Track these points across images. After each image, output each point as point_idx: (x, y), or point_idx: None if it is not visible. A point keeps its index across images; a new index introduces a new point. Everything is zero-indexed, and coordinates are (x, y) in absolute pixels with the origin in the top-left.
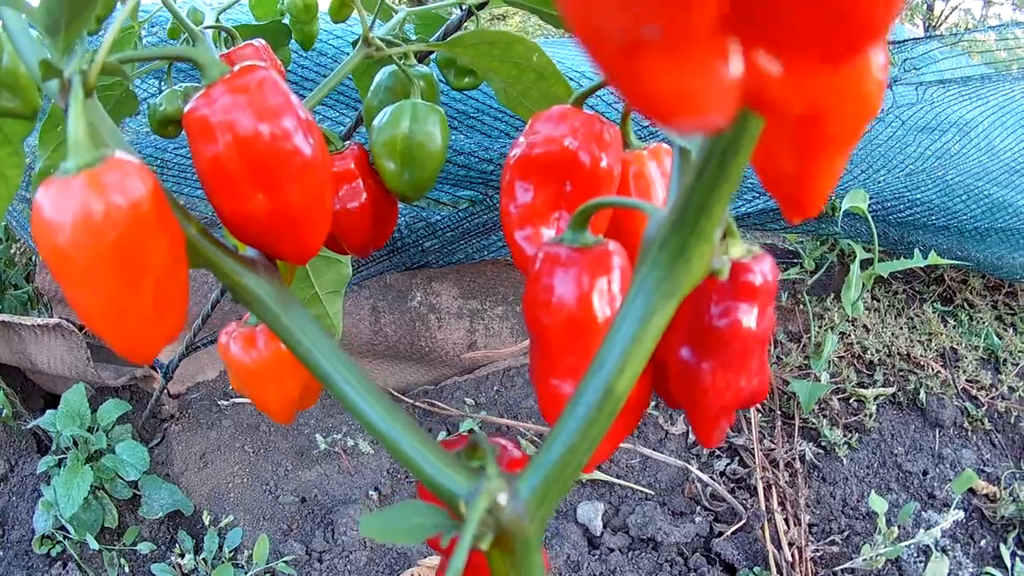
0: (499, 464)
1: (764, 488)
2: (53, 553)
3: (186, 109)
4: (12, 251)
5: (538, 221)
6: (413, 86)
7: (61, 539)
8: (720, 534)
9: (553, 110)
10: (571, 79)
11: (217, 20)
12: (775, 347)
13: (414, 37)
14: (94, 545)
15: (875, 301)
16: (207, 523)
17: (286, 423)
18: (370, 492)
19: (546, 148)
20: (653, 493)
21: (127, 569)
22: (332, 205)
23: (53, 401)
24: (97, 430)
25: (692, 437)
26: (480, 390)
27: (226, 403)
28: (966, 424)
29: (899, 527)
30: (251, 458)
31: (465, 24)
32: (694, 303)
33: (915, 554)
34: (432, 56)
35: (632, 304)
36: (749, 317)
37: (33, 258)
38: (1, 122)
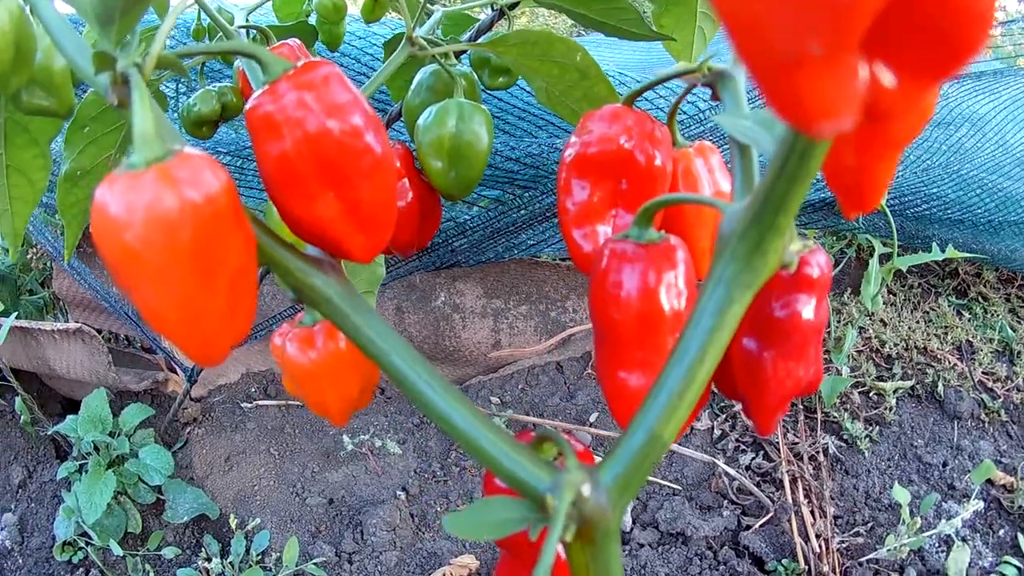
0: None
1: (790, 481)
2: (75, 560)
3: (248, 106)
4: (28, 256)
5: (595, 219)
6: (456, 85)
7: (83, 545)
8: (748, 527)
9: (605, 109)
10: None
11: (247, 21)
12: None
13: (444, 38)
14: (117, 551)
15: (891, 295)
16: (233, 526)
17: (342, 425)
18: (398, 492)
19: (601, 147)
20: (680, 488)
21: (152, 575)
22: (396, 200)
23: (71, 406)
24: (119, 435)
25: (717, 432)
26: (505, 389)
27: (249, 405)
28: (983, 416)
29: (921, 518)
30: (276, 460)
31: (496, 24)
32: (756, 295)
33: (937, 544)
34: (464, 56)
35: (712, 295)
36: (808, 308)
37: (49, 263)
38: (28, 122)
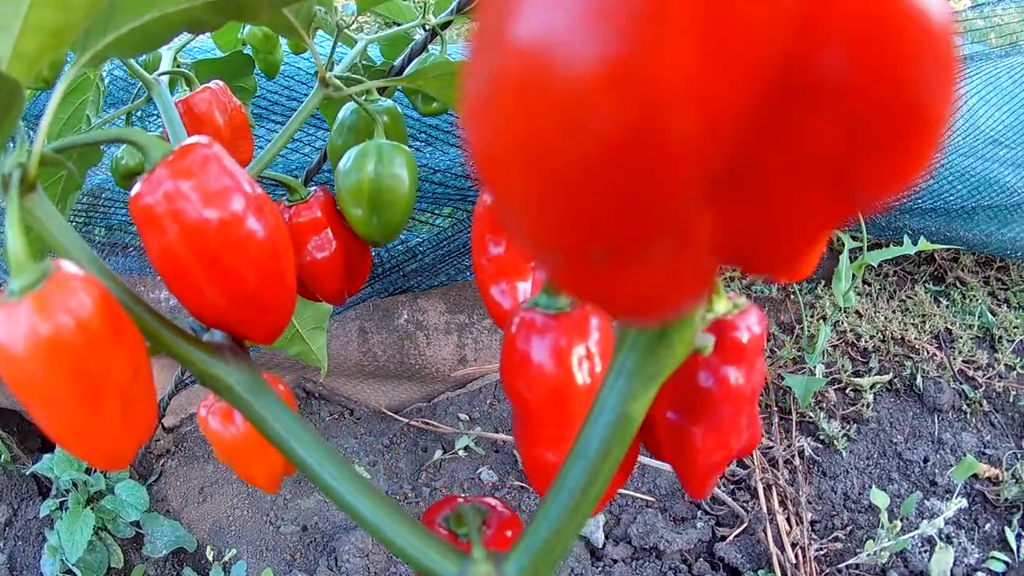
0: (488, 528)
1: (764, 489)
2: None
3: (131, 194)
4: None
5: (513, 274)
6: (377, 125)
7: None
8: (723, 538)
9: None
10: None
11: (175, 60)
12: (768, 340)
13: (380, 59)
14: None
15: (866, 285)
16: (211, 558)
17: (274, 493)
18: None
19: None
20: (653, 500)
21: None
22: (294, 281)
23: (50, 441)
24: (94, 471)
25: None
26: (473, 404)
27: None
28: (964, 407)
29: (902, 519)
30: (249, 489)
31: (430, 45)
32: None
33: (920, 544)
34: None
35: (612, 389)
36: (739, 376)
37: None
38: None
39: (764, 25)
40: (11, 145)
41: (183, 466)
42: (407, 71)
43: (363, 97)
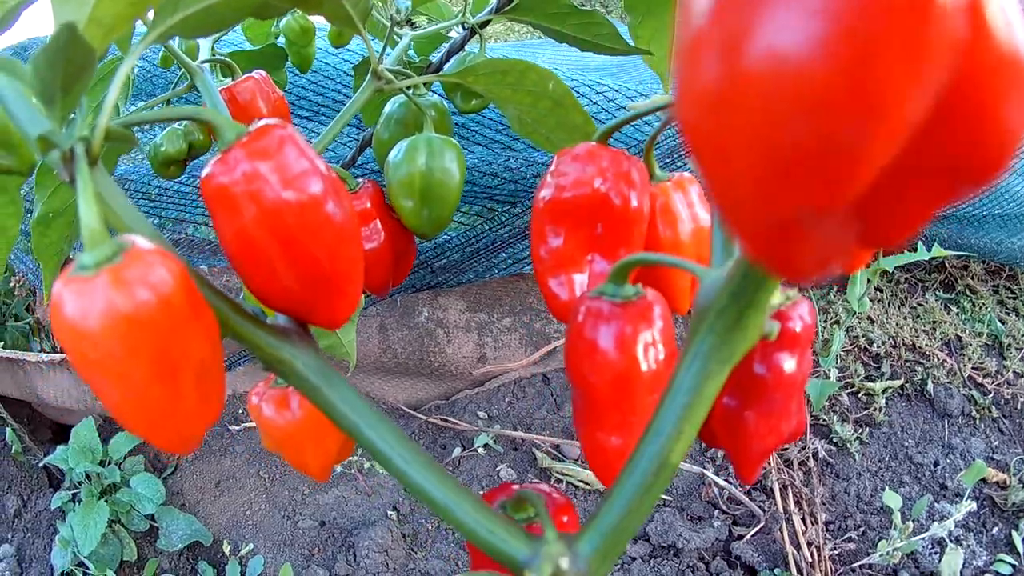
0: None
1: (780, 489)
2: None
3: (203, 175)
4: (11, 283)
5: (571, 266)
6: (426, 119)
7: None
8: (740, 537)
9: (579, 149)
10: (566, 81)
11: (212, 50)
12: None
13: (416, 57)
14: None
15: (878, 292)
16: (227, 552)
17: (324, 480)
18: (389, 512)
19: (576, 191)
20: (671, 499)
21: None
22: (363, 266)
23: (61, 432)
24: (109, 463)
25: None
26: (492, 402)
27: (237, 428)
28: (974, 412)
29: (913, 521)
30: (267, 484)
31: (468, 42)
32: None
33: (930, 546)
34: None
35: (688, 371)
36: (790, 363)
37: (33, 290)
38: None
39: (936, 73)
40: (72, 116)
41: (199, 459)
42: (448, 68)
43: (411, 91)
